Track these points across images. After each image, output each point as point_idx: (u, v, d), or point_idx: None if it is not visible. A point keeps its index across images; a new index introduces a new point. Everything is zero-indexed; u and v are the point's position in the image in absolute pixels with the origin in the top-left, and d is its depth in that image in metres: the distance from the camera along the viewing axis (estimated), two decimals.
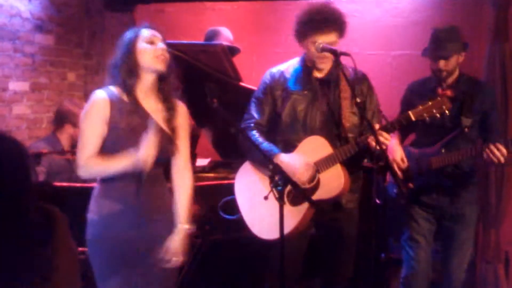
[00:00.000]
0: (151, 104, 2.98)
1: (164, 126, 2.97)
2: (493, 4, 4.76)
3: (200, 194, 3.46)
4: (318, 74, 3.46)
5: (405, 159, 3.77)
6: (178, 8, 6.00)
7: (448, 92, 3.21)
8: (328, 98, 3.43)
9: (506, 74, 4.77)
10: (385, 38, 5.57)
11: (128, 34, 2.96)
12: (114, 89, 2.93)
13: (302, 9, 3.37)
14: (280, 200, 2.83)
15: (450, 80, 3.75)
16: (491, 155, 3.43)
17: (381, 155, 3.21)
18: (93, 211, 2.96)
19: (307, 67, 3.47)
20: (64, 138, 4.57)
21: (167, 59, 2.96)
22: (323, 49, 3.23)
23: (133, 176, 2.88)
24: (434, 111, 3.19)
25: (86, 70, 5.78)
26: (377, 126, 3.21)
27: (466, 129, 3.66)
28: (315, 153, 3.33)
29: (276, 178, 2.86)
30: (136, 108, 2.91)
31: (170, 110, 3.01)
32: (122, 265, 2.92)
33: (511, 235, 5.07)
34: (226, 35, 4.83)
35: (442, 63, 3.65)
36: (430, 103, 3.19)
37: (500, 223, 4.92)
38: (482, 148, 3.49)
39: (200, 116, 4.62)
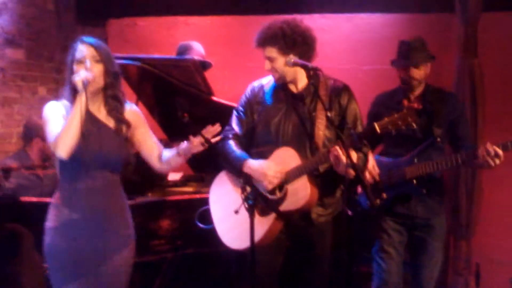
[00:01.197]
0: (103, 113, 3.09)
1: (117, 132, 3.08)
2: (462, 20, 4.84)
3: (172, 208, 3.45)
4: (293, 88, 3.48)
5: (376, 167, 3.79)
6: (151, 22, 5.99)
7: (415, 105, 3.21)
8: (301, 112, 3.45)
9: (475, 88, 4.86)
10: (356, 53, 5.61)
11: (69, 53, 3.02)
12: (66, 102, 3.02)
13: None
14: (251, 214, 2.85)
15: (417, 91, 3.80)
16: (486, 156, 3.43)
17: (352, 167, 3.23)
18: (50, 220, 3.05)
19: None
20: (34, 153, 4.53)
21: (93, 79, 2.92)
22: (295, 64, 3.26)
23: (87, 184, 2.98)
24: (400, 123, 3.09)
25: (57, 84, 5.72)
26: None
27: (438, 139, 3.70)
28: (284, 165, 3.35)
29: (247, 192, 2.88)
30: (88, 116, 2.93)
31: (118, 121, 3.10)
32: (77, 274, 2.99)
33: (482, 247, 5.12)
34: (197, 50, 4.84)
35: (414, 71, 3.71)
36: (396, 115, 3.10)
37: (471, 235, 4.98)
38: (474, 153, 3.52)
39: (172, 131, 4.61)
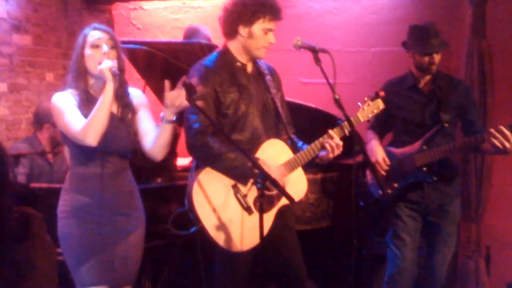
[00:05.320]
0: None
1: (122, 119, 3.11)
2: (471, 2, 4.80)
3: (182, 193, 3.44)
4: (248, 69, 3.35)
5: (386, 159, 3.79)
6: (157, 5, 5.97)
7: (382, 93, 3.30)
8: (261, 94, 3.37)
9: (484, 70, 4.82)
10: (364, 35, 5.58)
11: (78, 39, 3.05)
12: (72, 91, 3.05)
13: None
14: (261, 196, 2.82)
15: (428, 77, 3.79)
16: (494, 141, 3.42)
17: (362, 152, 3.24)
18: (62, 205, 3.10)
19: (233, 61, 3.31)
20: (44, 139, 4.54)
21: (107, 55, 2.99)
22: (302, 46, 3.21)
23: (97, 170, 3.03)
24: (375, 111, 3.31)
25: (65, 70, 5.72)
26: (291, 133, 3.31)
27: (446, 125, 3.69)
28: (276, 157, 3.28)
29: (256, 175, 2.85)
30: (91, 98, 3.01)
31: (125, 107, 3.12)
32: (91, 258, 3.04)
33: (491, 229, 5.11)
34: (204, 33, 4.81)
35: (436, 57, 3.72)
36: (370, 103, 3.29)
37: (480, 218, 4.96)
38: (482, 137, 3.50)
39: (180, 115, 4.60)
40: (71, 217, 3.06)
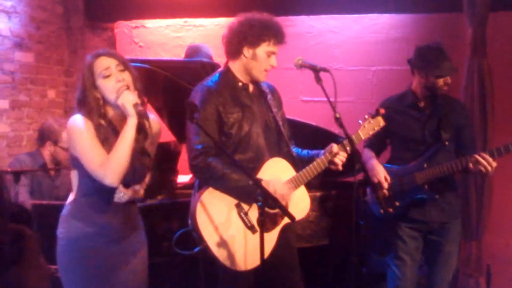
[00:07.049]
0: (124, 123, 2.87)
1: (138, 146, 2.91)
2: (471, 22, 4.82)
3: (182, 210, 3.45)
4: (250, 89, 3.35)
5: (388, 177, 3.77)
6: (159, 24, 6.01)
7: (382, 110, 3.32)
8: (263, 113, 3.36)
9: (485, 89, 4.83)
10: (365, 54, 5.61)
11: (84, 70, 2.85)
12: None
13: (252, 16, 3.24)
14: (261, 215, 2.81)
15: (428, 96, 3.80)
16: (478, 166, 3.49)
17: (362, 169, 3.25)
18: (63, 232, 2.92)
19: (235, 81, 3.31)
20: (46, 155, 4.55)
21: (127, 86, 2.83)
22: (303, 66, 3.22)
23: (106, 199, 2.88)
24: (375, 128, 3.31)
25: (66, 87, 5.76)
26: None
27: (446, 143, 3.70)
28: (279, 175, 3.26)
29: (256, 194, 2.84)
30: (111, 129, 2.87)
31: (140, 131, 2.89)
32: (97, 282, 2.92)
33: (492, 248, 5.10)
34: (206, 52, 4.84)
35: (449, 79, 3.71)
36: (371, 121, 3.30)
37: (481, 236, 4.95)
38: (466, 161, 3.53)
39: (181, 132, 4.62)
40: (72, 245, 2.89)
